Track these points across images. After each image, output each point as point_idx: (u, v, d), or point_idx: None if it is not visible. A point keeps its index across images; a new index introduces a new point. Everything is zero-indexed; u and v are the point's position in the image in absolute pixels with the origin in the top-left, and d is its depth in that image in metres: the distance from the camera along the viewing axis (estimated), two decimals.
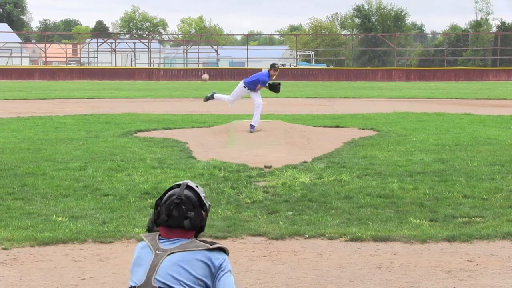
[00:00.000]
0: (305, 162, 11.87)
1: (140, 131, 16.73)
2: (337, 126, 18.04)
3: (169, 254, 3.62)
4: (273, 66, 16.58)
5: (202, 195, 3.79)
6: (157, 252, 3.65)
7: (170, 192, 3.76)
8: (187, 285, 3.58)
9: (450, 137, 15.44)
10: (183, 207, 3.70)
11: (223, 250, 3.70)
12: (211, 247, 3.65)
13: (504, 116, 21.02)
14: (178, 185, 3.80)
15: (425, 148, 13.54)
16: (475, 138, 15.19)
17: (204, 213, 3.77)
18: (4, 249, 7.12)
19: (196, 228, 3.75)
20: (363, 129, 17.37)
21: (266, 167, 11.29)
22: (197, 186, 3.82)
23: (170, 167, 11.32)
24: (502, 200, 9.11)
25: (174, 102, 29.76)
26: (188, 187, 3.78)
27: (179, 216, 3.70)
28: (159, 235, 3.76)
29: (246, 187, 9.87)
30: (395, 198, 9.23)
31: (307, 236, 7.59)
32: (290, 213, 8.53)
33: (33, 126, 17.86)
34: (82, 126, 17.97)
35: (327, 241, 7.46)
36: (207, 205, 3.79)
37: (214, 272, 3.61)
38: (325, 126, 18.13)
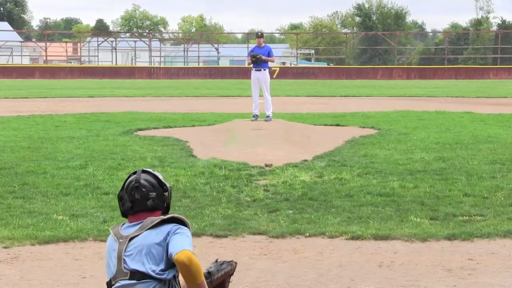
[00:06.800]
0: (305, 160, 11.86)
1: (140, 129, 16.72)
2: (337, 125, 18.03)
3: (130, 240, 3.73)
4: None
5: (159, 176, 3.90)
6: (120, 240, 3.76)
7: (128, 180, 3.89)
8: (151, 264, 3.69)
9: (451, 135, 15.44)
10: (143, 189, 3.84)
11: (179, 220, 3.80)
12: (165, 217, 3.77)
13: (505, 115, 21.01)
14: (135, 173, 3.94)
15: (426, 147, 13.54)
16: (476, 136, 15.18)
17: (165, 193, 3.87)
18: (5, 247, 7.13)
19: (161, 208, 3.88)
20: (363, 127, 17.36)
21: (266, 165, 11.29)
22: (153, 170, 3.95)
23: (171, 165, 11.32)
24: (502, 199, 9.11)
25: (175, 101, 29.76)
26: (145, 172, 3.92)
27: (142, 198, 3.84)
28: (123, 223, 3.89)
29: (246, 186, 9.87)
30: (396, 196, 9.23)
31: (307, 234, 7.60)
32: (291, 211, 8.53)
33: (33, 125, 17.86)
34: (83, 124, 17.98)
35: (328, 240, 7.46)
36: (167, 185, 3.88)
37: (168, 240, 3.72)
38: (326, 125, 18.12)
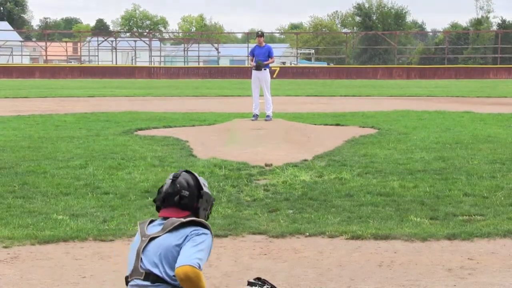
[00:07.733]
0: (305, 160, 11.86)
1: (140, 129, 16.73)
2: (337, 124, 18.04)
3: (150, 240, 3.71)
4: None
5: (201, 181, 3.88)
6: (142, 238, 3.75)
7: (170, 176, 3.89)
8: (166, 268, 3.66)
9: (451, 135, 15.44)
10: (178, 185, 3.82)
11: (200, 224, 3.76)
12: (184, 220, 3.73)
13: (505, 114, 21.02)
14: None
15: (426, 146, 13.54)
16: (476, 136, 15.19)
17: (200, 198, 3.84)
18: (5, 247, 7.13)
19: (189, 209, 3.83)
20: (363, 127, 17.37)
21: (266, 165, 11.30)
22: (197, 175, 3.93)
23: (171, 165, 11.32)
24: (502, 198, 9.11)
25: (175, 101, 29.76)
26: (189, 172, 3.91)
27: (173, 192, 3.81)
28: (151, 220, 3.88)
29: (246, 185, 9.87)
30: (396, 196, 9.24)
31: (307, 234, 7.60)
32: (291, 211, 8.54)
33: (33, 125, 17.86)
34: (83, 124, 17.98)
35: (328, 239, 7.47)
36: (205, 189, 3.87)
37: (182, 245, 3.70)
38: (326, 124, 18.13)
